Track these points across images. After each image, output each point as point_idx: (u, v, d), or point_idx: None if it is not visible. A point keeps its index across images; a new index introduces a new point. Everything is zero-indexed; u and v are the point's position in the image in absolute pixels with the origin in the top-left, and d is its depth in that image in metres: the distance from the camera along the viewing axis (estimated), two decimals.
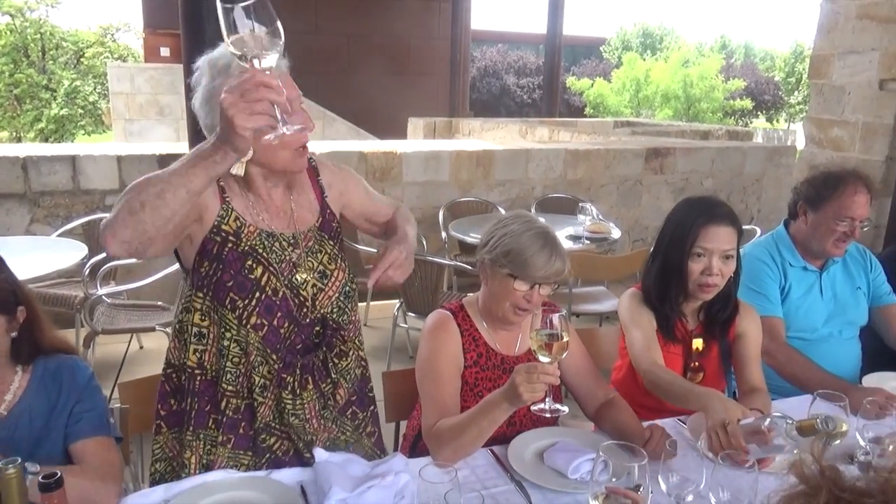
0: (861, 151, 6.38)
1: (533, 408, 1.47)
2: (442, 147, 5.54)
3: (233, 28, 1.03)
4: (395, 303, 3.94)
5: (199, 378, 1.52)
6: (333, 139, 8.91)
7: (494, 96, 19.50)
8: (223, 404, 1.51)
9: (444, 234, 4.69)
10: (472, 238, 3.91)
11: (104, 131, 19.21)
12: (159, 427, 1.59)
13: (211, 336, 1.51)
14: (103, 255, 3.61)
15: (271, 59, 1.07)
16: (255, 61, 1.05)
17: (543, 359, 1.41)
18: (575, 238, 3.97)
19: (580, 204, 4.25)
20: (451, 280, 4.42)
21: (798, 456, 1.49)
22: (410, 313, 3.71)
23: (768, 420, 1.47)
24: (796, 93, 22.33)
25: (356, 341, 1.66)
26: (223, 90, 1.08)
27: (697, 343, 1.94)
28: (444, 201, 4.98)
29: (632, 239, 5.63)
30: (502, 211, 4.98)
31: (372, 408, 1.75)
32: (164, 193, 1.15)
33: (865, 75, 6.29)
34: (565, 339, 1.41)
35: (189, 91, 1.53)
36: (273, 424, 1.55)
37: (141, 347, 4.00)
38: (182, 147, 4.70)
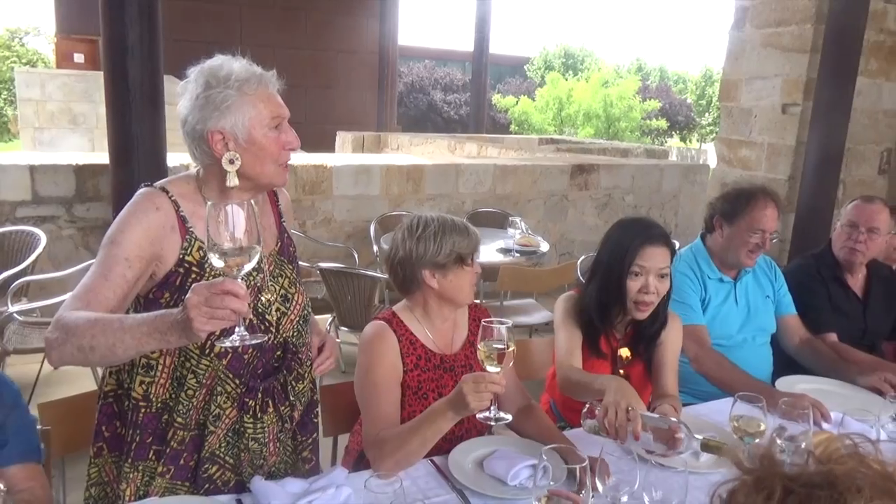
0: (767, 170, 6.80)
1: (478, 416, 1.50)
2: (373, 161, 5.55)
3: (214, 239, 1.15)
4: (328, 317, 3.90)
5: (143, 410, 1.47)
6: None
7: (422, 111, 19.64)
8: (169, 435, 1.47)
9: (375, 248, 4.68)
10: None
11: (10, 140, 18.12)
12: (100, 450, 1.52)
13: (160, 367, 1.46)
14: (15, 269, 3.41)
15: (248, 268, 1.18)
16: (234, 270, 1.16)
17: (491, 369, 1.45)
18: (505, 251, 4.05)
19: (510, 218, 4.34)
20: (382, 293, 4.41)
21: (742, 449, 1.59)
22: (343, 327, 3.68)
23: (676, 421, 1.56)
24: (707, 114, 23.56)
25: (308, 364, 1.66)
26: (192, 289, 1.14)
27: (624, 352, 2.02)
28: (374, 215, 4.98)
29: (559, 252, 5.78)
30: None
31: (315, 435, 1.74)
32: (115, 348, 1.22)
33: (769, 100, 6.72)
34: (512, 350, 1.45)
35: (114, 99, 1.52)
36: (219, 454, 1.52)
37: (55, 368, 3.78)
38: (100, 157, 4.50)
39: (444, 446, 1.71)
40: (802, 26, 6.40)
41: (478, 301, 4.36)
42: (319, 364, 1.66)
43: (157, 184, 1.47)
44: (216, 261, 1.16)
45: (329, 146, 10.37)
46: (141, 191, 1.46)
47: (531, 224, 5.28)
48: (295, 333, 1.59)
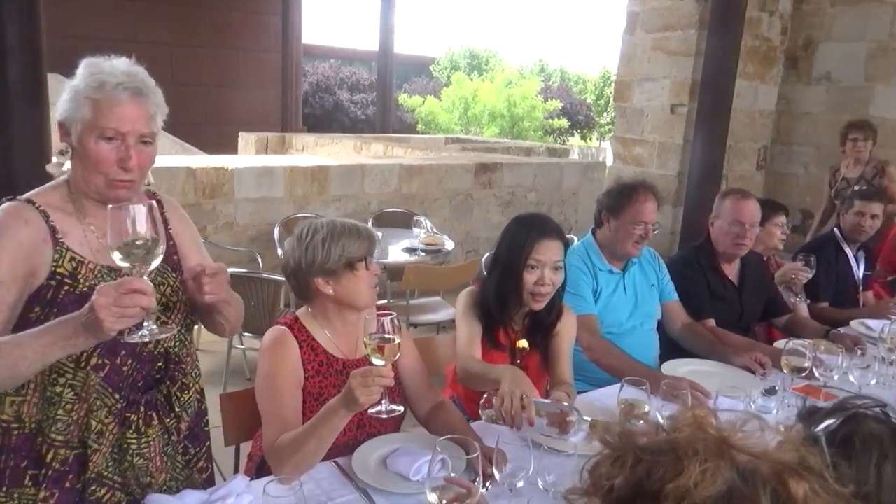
0: (658, 167, 7.19)
1: (370, 411, 1.51)
2: (276, 162, 5.44)
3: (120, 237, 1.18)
4: None
5: (15, 433, 1.40)
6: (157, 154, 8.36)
7: (328, 111, 19.37)
8: (49, 457, 1.40)
9: (279, 251, 4.60)
10: None
11: None
12: None
13: (32, 385, 1.39)
14: None
15: (154, 265, 1.22)
16: (137, 269, 1.20)
17: (377, 362, 1.46)
18: (411, 250, 4.09)
19: (415, 217, 4.38)
20: (287, 297, 4.35)
21: (601, 426, 1.70)
22: (247, 334, 3.60)
23: (567, 405, 1.66)
24: (605, 114, 24.51)
25: (194, 374, 1.62)
26: (97, 291, 1.17)
27: (522, 343, 2.10)
28: (279, 218, 4.89)
29: (465, 250, 5.88)
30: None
31: (207, 443, 1.71)
32: (17, 366, 1.22)
33: (659, 100, 7.11)
34: (397, 342, 1.48)
35: None
36: (106, 474, 1.46)
37: None
38: None
39: (350, 443, 1.73)
40: (687, 31, 6.80)
41: (385, 301, 4.39)
42: (206, 284, 1.41)
43: (22, 197, 1.41)
44: (120, 261, 1.19)
45: (232, 148, 10.07)
46: (4, 206, 1.38)
47: (437, 223, 5.35)
48: (177, 343, 1.56)
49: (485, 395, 1.70)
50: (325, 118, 18.95)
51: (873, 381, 2.12)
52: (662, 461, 0.61)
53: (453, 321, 3.79)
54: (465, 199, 5.93)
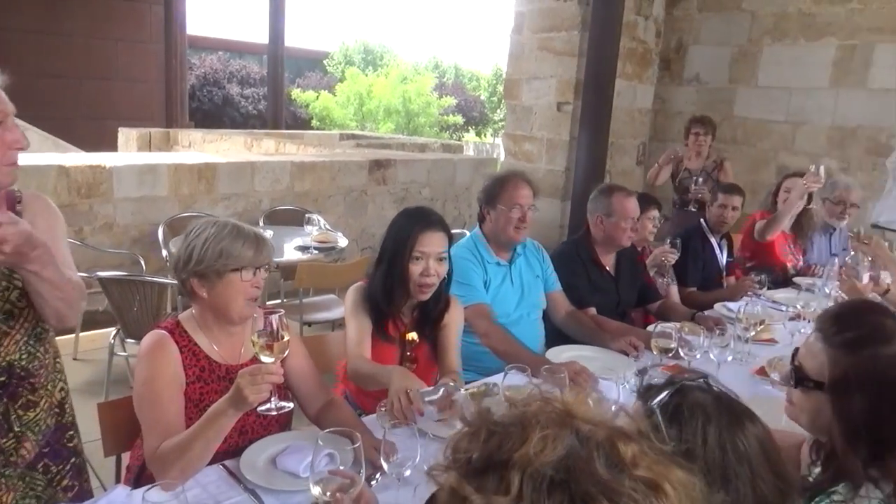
0: (547, 163, 7.46)
1: (260, 408, 1.51)
2: (158, 160, 5.21)
3: None
4: (111, 331, 3.62)
5: None
6: (26, 151, 7.76)
7: (217, 106, 18.65)
8: None
9: (164, 252, 4.42)
10: None
11: None
12: None
13: None
14: None
15: None
16: None
17: (266, 359, 1.47)
18: (303, 248, 4.04)
19: (307, 215, 4.33)
20: (174, 300, 4.18)
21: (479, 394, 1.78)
22: (130, 340, 3.44)
23: (450, 385, 1.73)
24: (498, 110, 25.07)
25: (48, 388, 1.52)
26: None
27: (411, 335, 2.16)
28: (163, 218, 4.69)
29: (360, 247, 5.87)
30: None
31: (73, 460, 1.62)
32: None
33: (546, 98, 7.37)
34: (285, 339, 1.49)
35: None
36: None
37: None
38: None
39: (240, 443, 1.71)
40: (570, 32, 7.09)
41: (277, 301, 4.32)
42: None
43: None
44: None
45: (111, 144, 9.50)
46: None
47: (331, 220, 5.31)
48: (24, 356, 1.46)
49: (381, 406, 1.73)
50: (214, 113, 18.24)
51: (730, 358, 2.33)
52: (511, 433, 0.67)
53: None
54: (360, 196, 5.91)
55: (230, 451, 1.70)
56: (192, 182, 4.97)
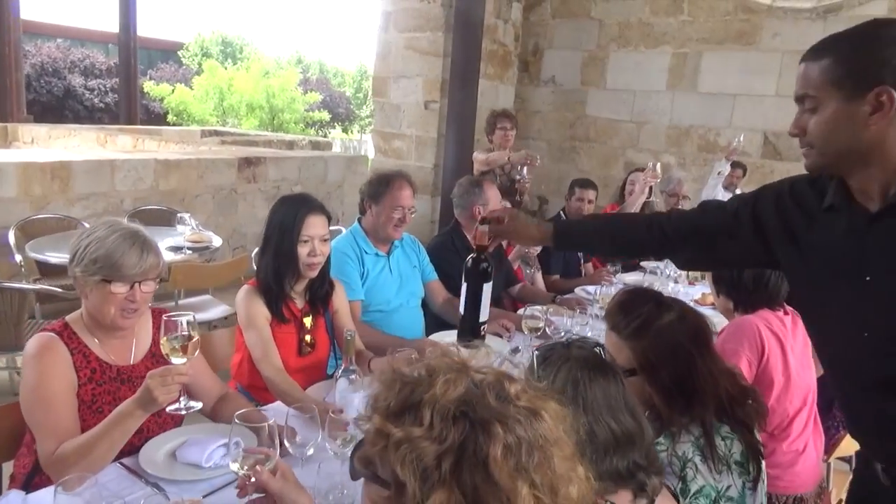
0: (416, 159, 7.68)
1: (169, 408, 1.55)
2: (4, 158, 4.82)
3: None
4: None
5: None
6: None
7: (57, 98, 17.19)
8: None
9: (18, 258, 4.12)
10: (55, 258, 3.57)
11: None
12: None
13: None
14: None
15: None
16: None
17: (177, 361, 1.51)
18: (176, 249, 3.95)
19: (179, 215, 4.22)
20: (32, 308, 3.93)
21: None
22: None
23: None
24: (364, 107, 25.08)
25: None
26: None
27: (307, 320, 2.28)
28: (13, 220, 4.35)
29: (232, 246, 5.76)
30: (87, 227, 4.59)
31: None
32: None
33: (414, 97, 7.58)
34: (197, 338, 1.54)
35: None
36: None
37: None
38: None
39: (135, 442, 1.72)
40: (435, 33, 7.34)
41: (149, 304, 4.18)
42: None
43: None
44: None
45: None
46: None
47: (201, 220, 5.16)
48: None
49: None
50: (54, 105, 16.83)
51: (590, 333, 2.63)
52: (421, 380, 0.83)
53: (226, 318, 3.78)
54: (230, 195, 5.80)
55: (126, 451, 1.71)
56: (44, 182, 4.66)
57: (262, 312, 2.18)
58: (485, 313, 1.97)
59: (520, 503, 0.75)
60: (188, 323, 1.54)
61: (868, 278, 1.24)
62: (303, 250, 2.17)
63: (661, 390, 1.48)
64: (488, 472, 0.76)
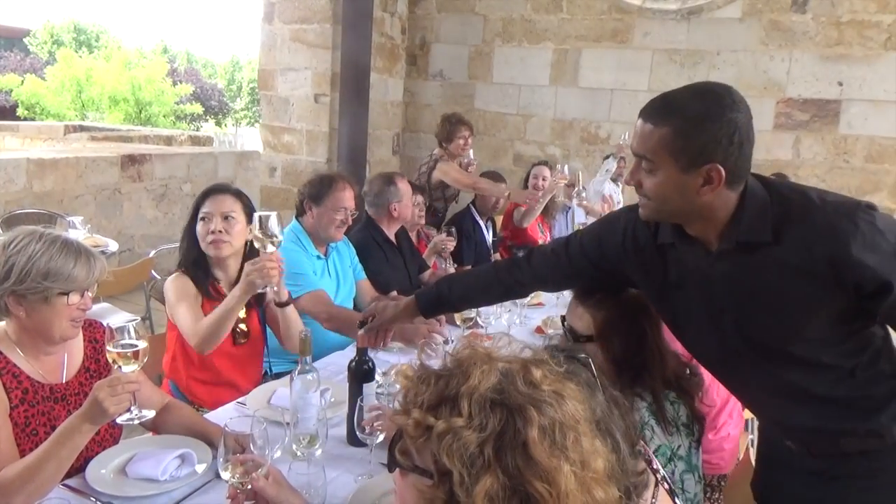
0: (308, 154, 7.55)
1: (120, 419, 1.48)
2: None
3: None
4: None
5: None
6: None
7: None
8: None
9: None
10: None
11: None
12: None
13: None
14: None
15: None
16: None
17: (128, 368, 1.45)
18: None
19: (68, 219, 3.92)
20: None
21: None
22: None
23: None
24: (238, 99, 24.15)
25: None
26: None
27: (240, 312, 2.20)
28: None
29: (119, 250, 5.41)
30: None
31: None
32: None
33: (303, 90, 7.44)
34: (146, 345, 1.49)
35: None
36: None
37: None
38: None
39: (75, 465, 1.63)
40: (323, 25, 7.23)
41: None
42: None
43: None
44: None
45: None
46: None
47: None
48: None
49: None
50: None
51: (518, 321, 2.77)
52: (455, 373, 0.88)
53: (140, 321, 3.57)
54: (113, 195, 5.44)
55: (67, 472, 1.61)
56: None
57: (191, 290, 2.16)
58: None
59: (561, 479, 0.82)
60: (135, 328, 1.48)
61: (718, 306, 1.41)
62: (202, 228, 2.17)
63: (611, 360, 1.61)
64: (528, 454, 0.82)
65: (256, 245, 1.93)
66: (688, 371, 1.68)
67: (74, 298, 1.61)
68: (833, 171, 6.44)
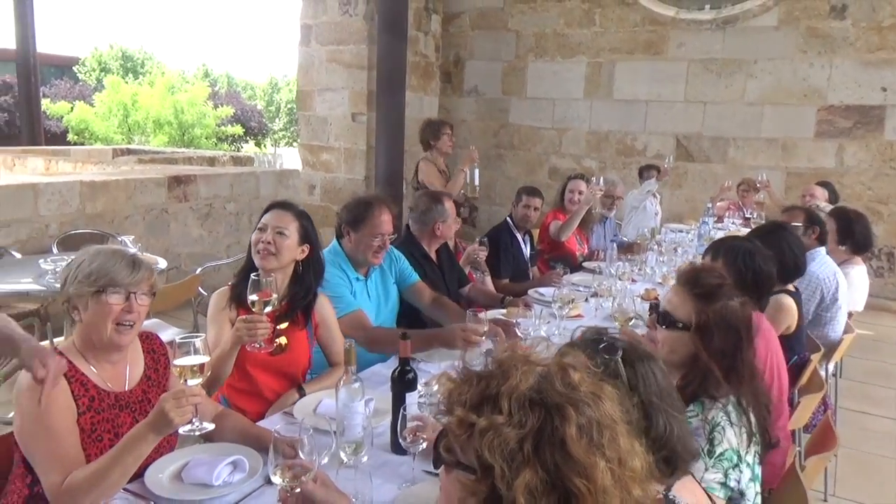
0: (346, 172, 7.70)
1: (182, 430, 1.56)
2: None
3: None
4: None
5: None
6: None
7: None
8: None
9: None
10: None
11: None
12: None
13: None
14: None
15: None
16: None
17: (192, 382, 1.53)
18: None
19: (119, 238, 4.08)
20: None
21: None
22: None
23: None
24: (277, 120, 24.65)
25: None
26: None
27: (283, 323, 2.27)
28: None
29: (167, 268, 5.60)
30: (16, 255, 4.37)
31: None
32: None
33: (341, 109, 7.60)
34: (209, 359, 1.57)
35: None
36: None
37: None
38: None
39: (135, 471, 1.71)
40: (359, 46, 7.40)
41: None
42: None
43: None
44: None
45: None
46: None
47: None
48: None
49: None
50: None
51: (556, 332, 2.79)
52: (496, 374, 0.93)
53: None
54: (161, 215, 5.63)
55: None
56: None
57: (226, 314, 2.21)
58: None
59: (598, 475, 0.86)
60: (202, 343, 1.56)
61: None
62: (255, 237, 2.24)
63: (707, 355, 1.65)
64: (566, 451, 0.86)
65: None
66: (763, 400, 1.69)
67: (114, 298, 1.68)
68: (879, 177, 6.30)
